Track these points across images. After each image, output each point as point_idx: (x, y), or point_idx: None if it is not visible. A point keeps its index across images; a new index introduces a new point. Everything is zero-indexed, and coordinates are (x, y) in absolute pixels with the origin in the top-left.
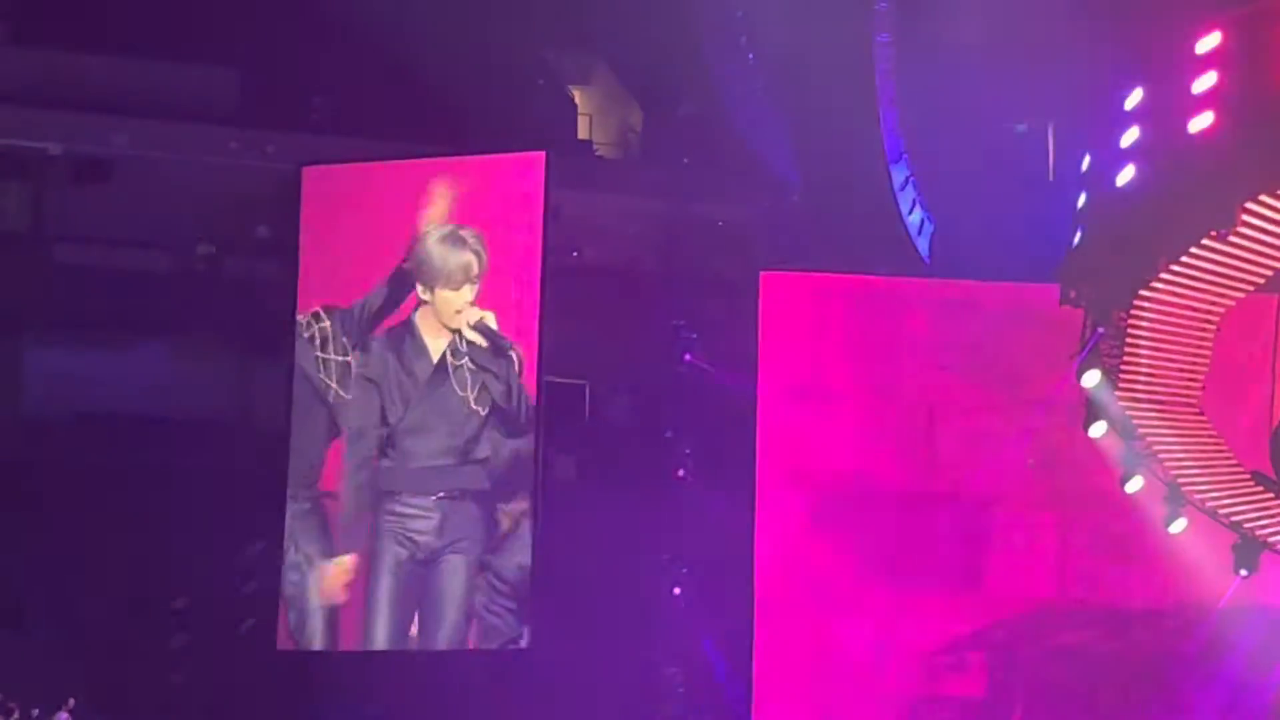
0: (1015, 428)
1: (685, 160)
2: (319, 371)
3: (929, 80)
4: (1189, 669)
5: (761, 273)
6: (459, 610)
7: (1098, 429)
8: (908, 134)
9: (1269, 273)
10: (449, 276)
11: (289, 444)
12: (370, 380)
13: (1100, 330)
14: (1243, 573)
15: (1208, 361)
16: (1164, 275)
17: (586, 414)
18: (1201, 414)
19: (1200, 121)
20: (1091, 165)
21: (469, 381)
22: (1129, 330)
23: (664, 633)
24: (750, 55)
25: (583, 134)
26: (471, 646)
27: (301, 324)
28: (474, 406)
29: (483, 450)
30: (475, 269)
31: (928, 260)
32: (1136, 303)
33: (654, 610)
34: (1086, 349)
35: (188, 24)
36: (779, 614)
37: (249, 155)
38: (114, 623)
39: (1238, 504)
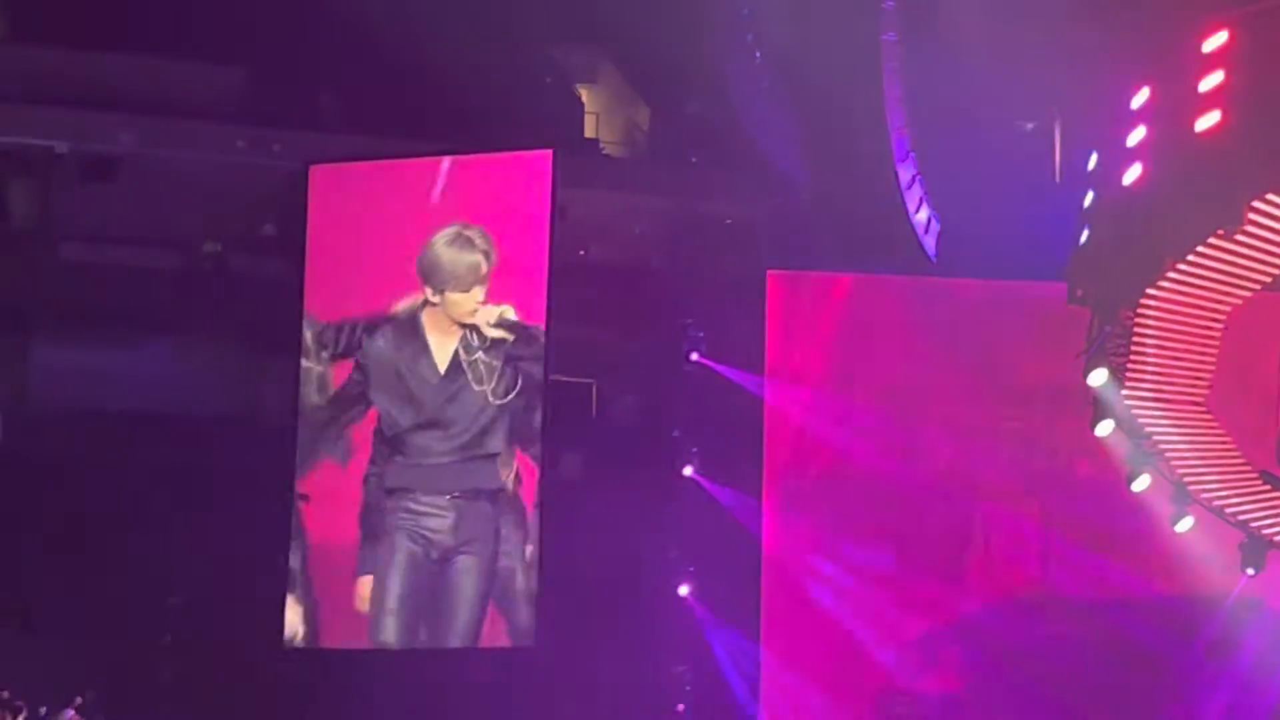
0: (1024, 425)
1: (692, 159)
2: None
3: (936, 78)
4: (1193, 664)
5: (768, 271)
6: (469, 609)
7: (1104, 428)
8: (914, 132)
9: (1276, 271)
10: (459, 279)
11: (296, 442)
12: (378, 381)
13: (1107, 329)
14: (1250, 571)
15: (1214, 360)
16: (1171, 274)
17: (593, 413)
18: (1208, 412)
19: (1207, 120)
20: (1098, 164)
21: (484, 375)
22: (1136, 329)
23: (671, 631)
24: (757, 53)
25: (589, 132)
26: (479, 645)
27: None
28: (491, 400)
29: (495, 444)
30: (484, 269)
31: (934, 259)
32: (1143, 301)
33: (661, 609)
34: (1093, 347)
35: (195, 22)
36: (786, 613)
37: (256, 153)
38: (121, 620)
39: (1245, 503)
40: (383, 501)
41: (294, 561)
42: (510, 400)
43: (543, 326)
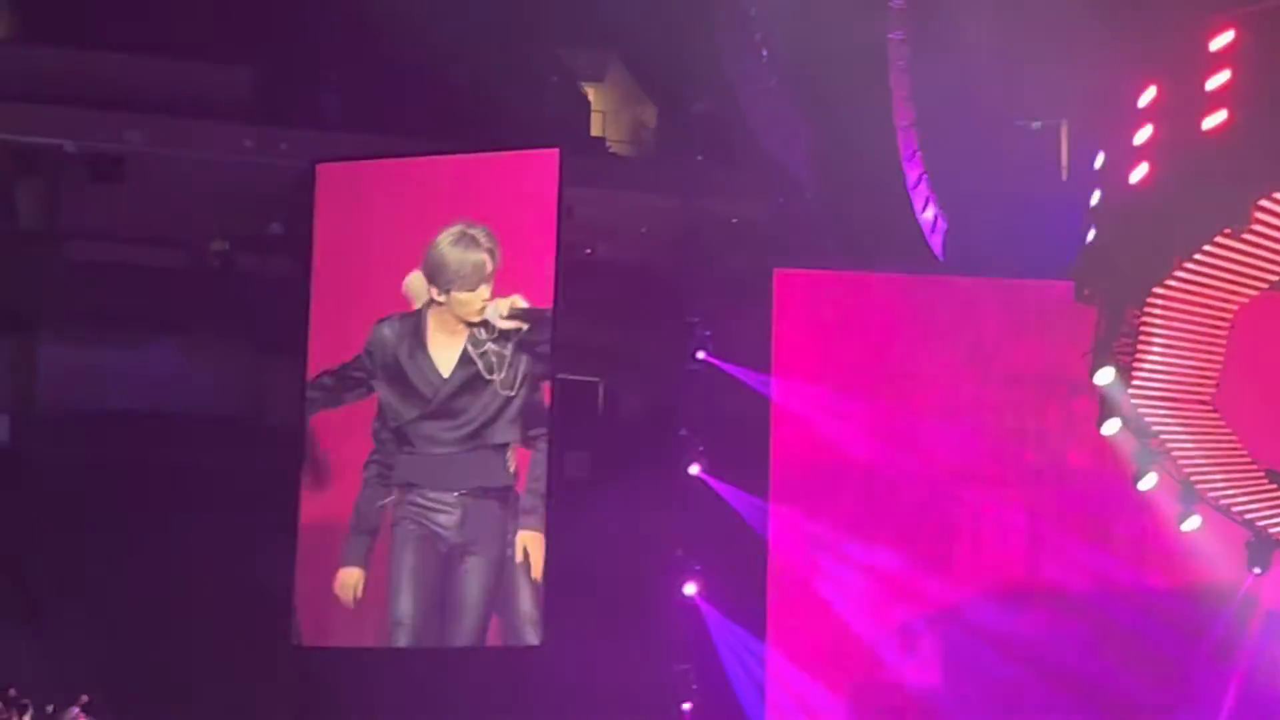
0: (1033, 423)
1: (699, 157)
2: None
3: (943, 77)
4: (1195, 657)
5: (775, 270)
6: (475, 608)
7: (1111, 426)
8: (921, 131)
9: None
10: (465, 278)
11: (303, 439)
12: (383, 370)
13: (1114, 327)
14: (1256, 570)
15: (1221, 358)
16: (1178, 272)
17: (600, 411)
18: (1215, 411)
19: (1214, 119)
20: (1105, 163)
21: (495, 365)
22: (1142, 327)
23: (677, 630)
24: (764, 52)
25: (596, 131)
26: (485, 644)
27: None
28: (501, 391)
29: (505, 434)
30: (489, 267)
31: (941, 257)
32: (1150, 300)
33: (667, 607)
34: (1100, 346)
35: (202, 21)
36: (792, 611)
37: (263, 152)
38: (128, 618)
39: (1251, 501)
40: (383, 495)
41: (301, 559)
42: (521, 390)
43: (550, 310)
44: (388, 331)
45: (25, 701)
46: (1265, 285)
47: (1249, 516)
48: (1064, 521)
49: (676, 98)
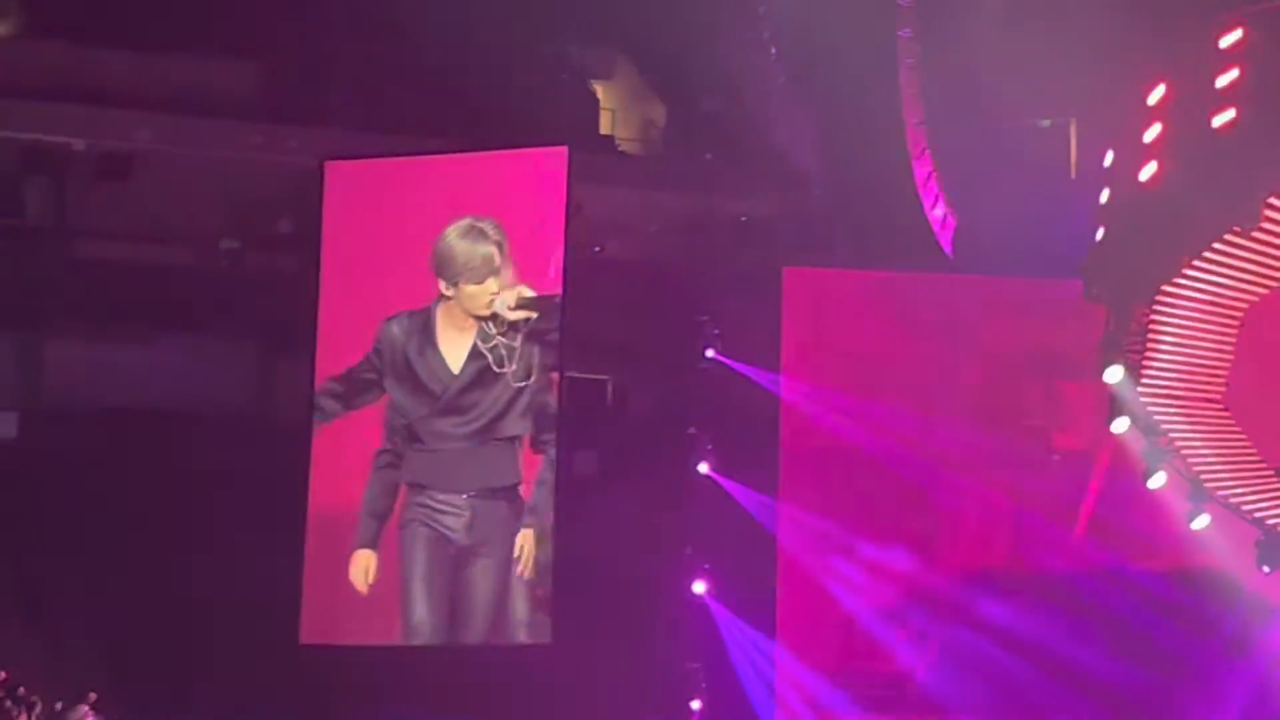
0: (1046, 421)
1: (708, 155)
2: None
3: (952, 75)
4: (1208, 653)
5: (784, 268)
6: (484, 606)
7: (1120, 425)
8: (930, 129)
9: None
10: (473, 271)
11: (311, 438)
12: (391, 368)
13: (1123, 326)
14: (1265, 569)
15: (1231, 357)
16: (1187, 271)
17: (609, 409)
18: (1225, 410)
19: (1223, 117)
20: (1114, 160)
21: (505, 358)
22: (1151, 326)
23: (686, 628)
24: (773, 50)
25: (605, 129)
26: (493, 642)
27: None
28: (513, 384)
29: (516, 427)
30: (497, 260)
31: (950, 255)
32: (1159, 298)
33: (676, 606)
34: (1108, 345)
35: (210, 19)
36: (802, 610)
37: (271, 150)
38: (135, 616)
39: (1261, 500)
40: (394, 482)
41: (308, 557)
42: (531, 383)
43: (559, 297)
44: (396, 329)
45: (34, 699)
46: (1275, 283)
47: (1258, 515)
48: (1076, 519)
49: (685, 96)
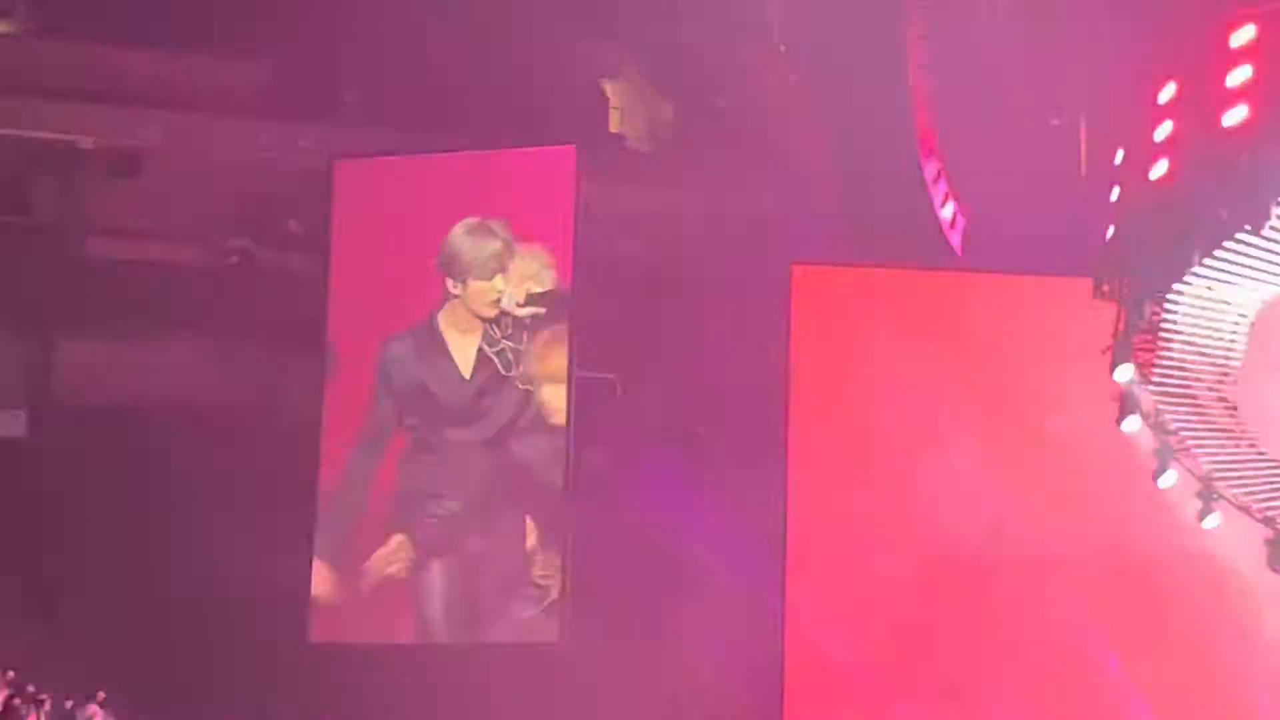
0: (1054, 419)
1: (717, 153)
2: None
3: (962, 73)
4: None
5: (793, 265)
6: (491, 605)
7: (1131, 423)
8: (940, 127)
9: None
10: (481, 267)
11: (320, 437)
12: (401, 389)
13: (1134, 324)
14: (1277, 568)
15: (1241, 356)
16: (1197, 269)
17: (618, 406)
18: (1235, 408)
19: (1234, 115)
20: (1125, 158)
21: (511, 361)
22: (1162, 324)
23: (695, 627)
24: (782, 48)
25: (614, 127)
26: (501, 641)
27: None
28: (521, 386)
29: (525, 431)
30: (505, 257)
31: (960, 253)
32: (1170, 296)
33: (685, 605)
34: (1119, 343)
35: (220, 17)
36: (812, 609)
37: (281, 149)
38: (144, 614)
39: (1272, 499)
40: (404, 496)
41: (318, 555)
42: (540, 383)
43: (568, 289)
44: (400, 349)
45: (43, 697)
46: None
47: (1269, 514)
48: (1087, 517)
49: (695, 94)
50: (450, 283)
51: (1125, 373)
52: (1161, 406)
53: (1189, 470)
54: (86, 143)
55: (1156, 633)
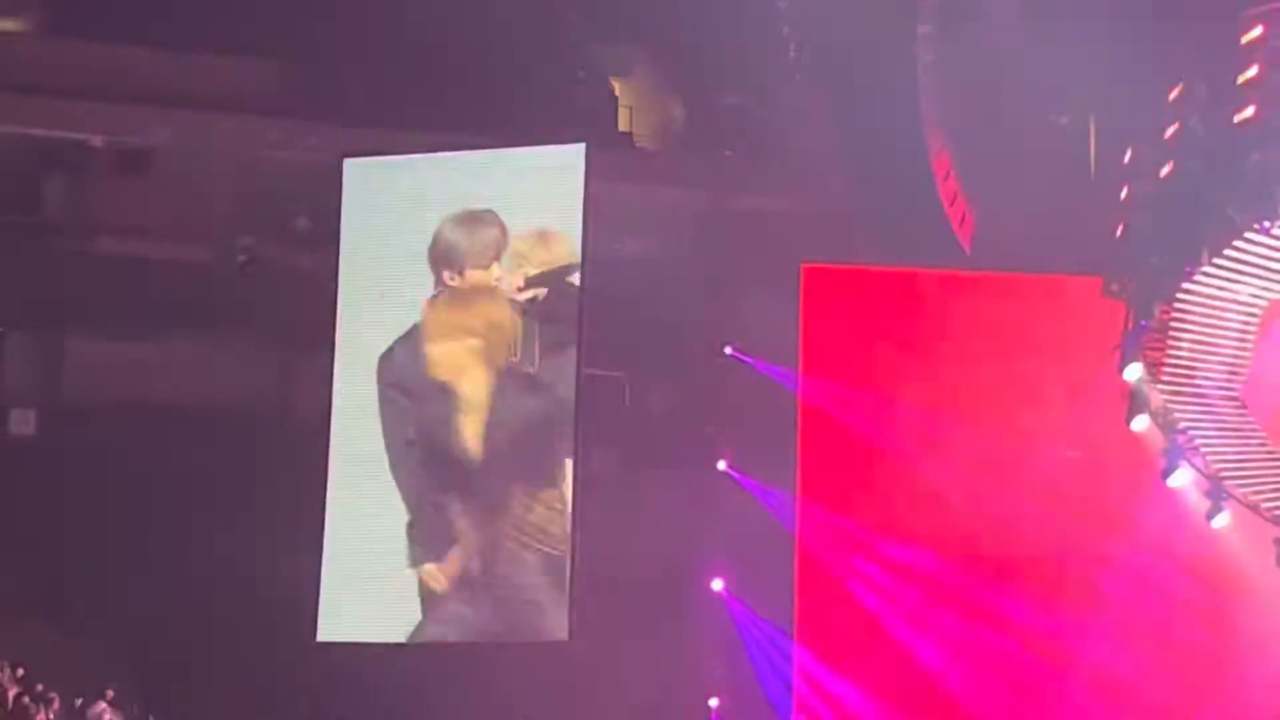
0: (1062, 418)
1: (727, 152)
2: None
3: (971, 72)
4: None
5: (803, 264)
6: (495, 602)
7: (1140, 422)
8: (949, 126)
9: None
10: (479, 254)
11: (329, 436)
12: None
13: (1143, 323)
14: None
15: (1250, 354)
16: (1207, 268)
17: (626, 407)
18: (1244, 407)
19: (1243, 113)
20: (1134, 157)
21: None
22: (1171, 323)
23: (705, 627)
24: (792, 46)
25: (623, 126)
26: (511, 639)
27: None
28: (524, 370)
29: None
30: (502, 243)
31: (969, 252)
32: (1179, 295)
33: (695, 604)
34: (1128, 342)
35: (229, 15)
36: (820, 608)
37: (290, 147)
38: (153, 613)
39: None
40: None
41: (327, 554)
42: (541, 364)
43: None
44: (400, 354)
45: (52, 695)
46: None
47: (1278, 513)
48: (1095, 517)
49: (704, 92)
50: (447, 274)
51: (1134, 371)
52: (1171, 405)
53: (1198, 469)
54: (95, 141)
55: (1163, 633)
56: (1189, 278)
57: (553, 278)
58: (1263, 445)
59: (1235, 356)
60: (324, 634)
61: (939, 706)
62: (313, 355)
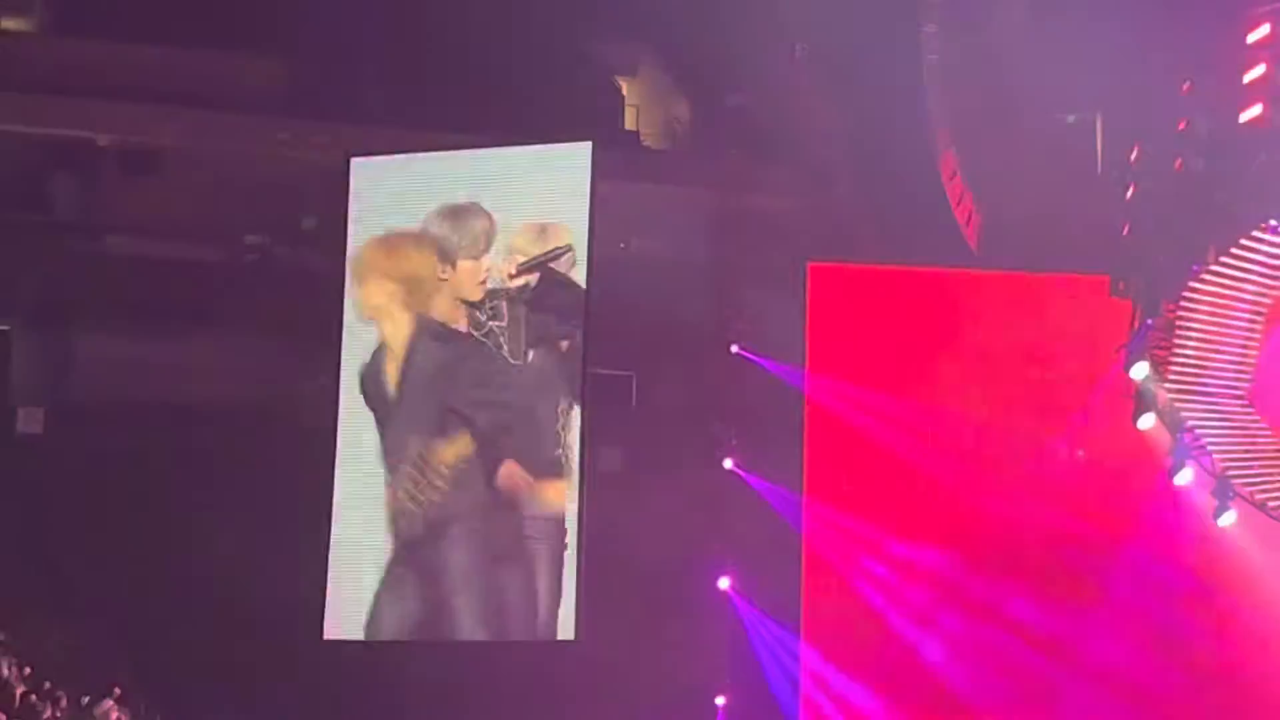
0: (1069, 417)
1: (732, 151)
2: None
3: (977, 70)
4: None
5: (809, 263)
6: (508, 602)
7: (1146, 421)
8: (955, 124)
9: None
10: (471, 245)
11: (337, 434)
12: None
13: (1149, 321)
14: None
15: (1257, 353)
16: (1214, 266)
17: (633, 404)
18: (1250, 405)
19: (1250, 112)
20: (1141, 156)
21: (500, 338)
22: (1178, 321)
23: (711, 624)
24: (797, 45)
25: (629, 124)
26: (518, 639)
27: None
28: (512, 361)
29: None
30: (493, 232)
31: (976, 251)
32: (1186, 294)
33: (701, 602)
34: (1135, 340)
35: (237, 14)
36: (827, 606)
37: (298, 146)
38: (161, 611)
39: None
40: (413, 493)
41: (334, 553)
42: (531, 355)
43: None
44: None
45: (59, 693)
46: None
47: None
48: (1101, 516)
49: (710, 91)
50: (439, 268)
51: (1141, 370)
52: (1177, 404)
53: (1204, 468)
54: (104, 140)
55: (1169, 632)
56: (1196, 276)
57: (544, 264)
58: (1270, 444)
59: (1242, 355)
60: (330, 632)
61: (945, 704)
62: (320, 353)
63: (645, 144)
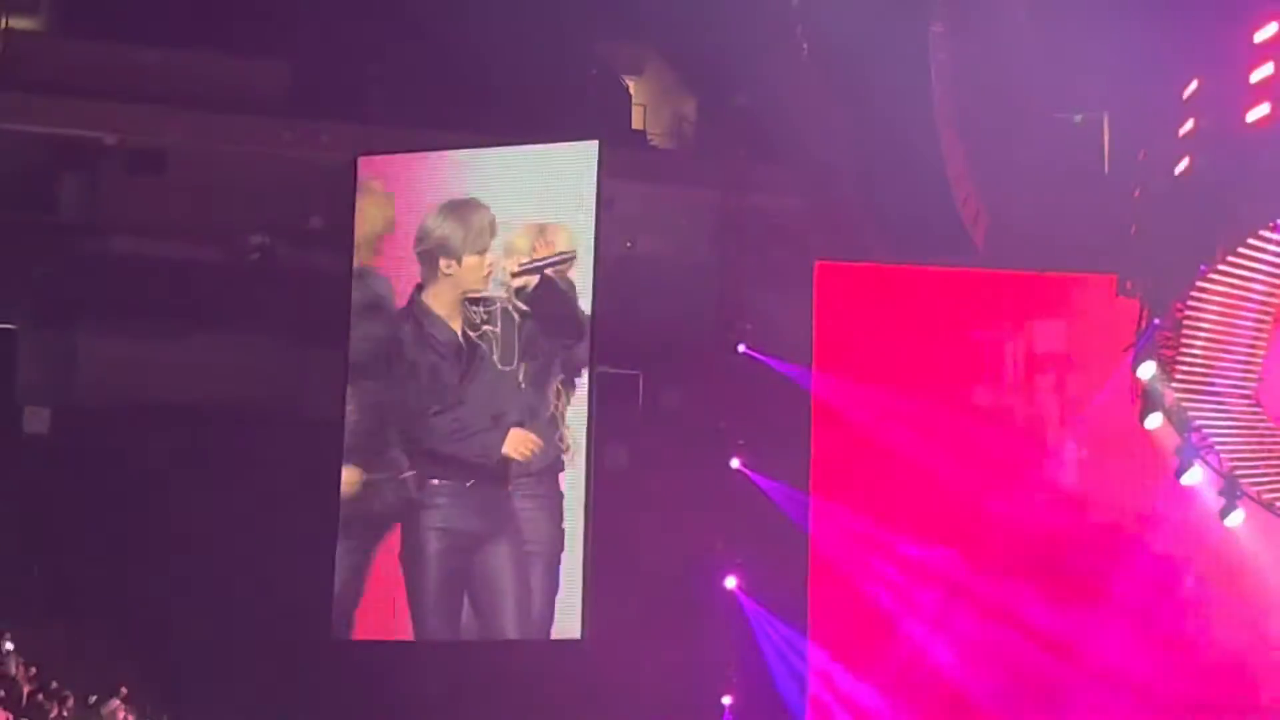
0: (1076, 416)
1: (740, 151)
2: None
3: (984, 70)
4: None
5: (816, 262)
6: (509, 600)
7: (1153, 420)
8: (962, 124)
9: None
10: (475, 240)
11: (343, 433)
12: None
13: (1156, 321)
14: None
15: (1264, 352)
16: (1221, 266)
17: (640, 404)
18: (1258, 405)
19: (1257, 112)
20: (1148, 156)
21: (494, 342)
22: (1185, 321)
23: (717, 623)
24: (804, 45)
25: (637, 124)
26: (524, 638)
27: None
28: (500, 367)
29: (517, 414)
30: (496, 226)
31: (982, 250)
32: (1193, 293)
33: (708, 601)
34: (1142, 340)
35: (242, 14)
36: (833, 605)
37: (303, 146)
38: (167, 610)
39: None
40: (410, 490)
41: (340, 552)
42: (522, 365)
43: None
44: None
45: (66, 693)
46: None
47: None
48: (1109, 514)
49: (717, 91)
50: (444, 263)
51: (1148, 370)
52: (1184, 403)
53: (1212, 467)
54: (110, 140)
55: (1177, 631)
56: (1203, 276)
57: (544, 267)
58: (1277, 443)
59: (1249, 355)
60: (338, 632)
61: (952, 704)
62: (326, 352)
63: (653, 144)
